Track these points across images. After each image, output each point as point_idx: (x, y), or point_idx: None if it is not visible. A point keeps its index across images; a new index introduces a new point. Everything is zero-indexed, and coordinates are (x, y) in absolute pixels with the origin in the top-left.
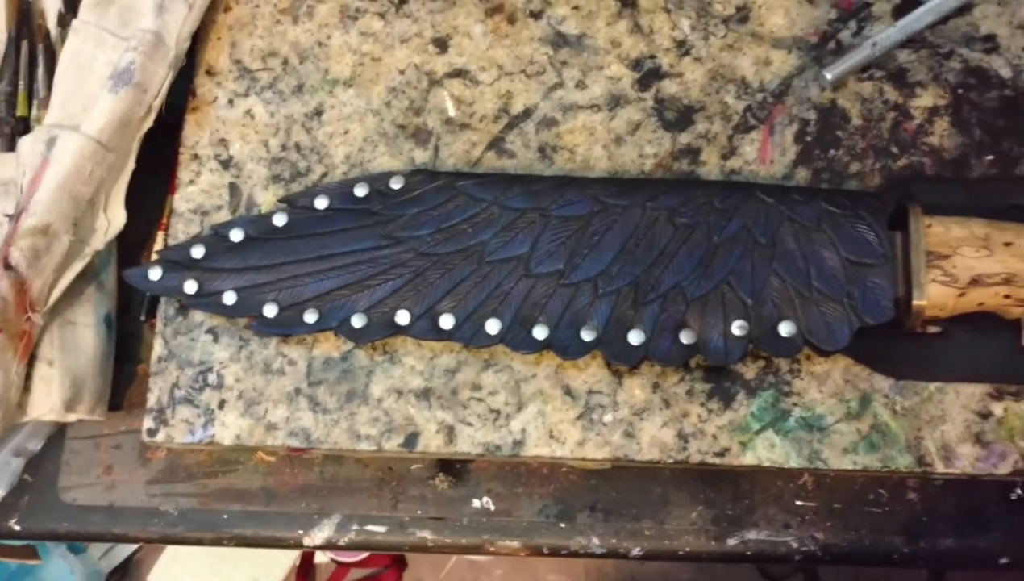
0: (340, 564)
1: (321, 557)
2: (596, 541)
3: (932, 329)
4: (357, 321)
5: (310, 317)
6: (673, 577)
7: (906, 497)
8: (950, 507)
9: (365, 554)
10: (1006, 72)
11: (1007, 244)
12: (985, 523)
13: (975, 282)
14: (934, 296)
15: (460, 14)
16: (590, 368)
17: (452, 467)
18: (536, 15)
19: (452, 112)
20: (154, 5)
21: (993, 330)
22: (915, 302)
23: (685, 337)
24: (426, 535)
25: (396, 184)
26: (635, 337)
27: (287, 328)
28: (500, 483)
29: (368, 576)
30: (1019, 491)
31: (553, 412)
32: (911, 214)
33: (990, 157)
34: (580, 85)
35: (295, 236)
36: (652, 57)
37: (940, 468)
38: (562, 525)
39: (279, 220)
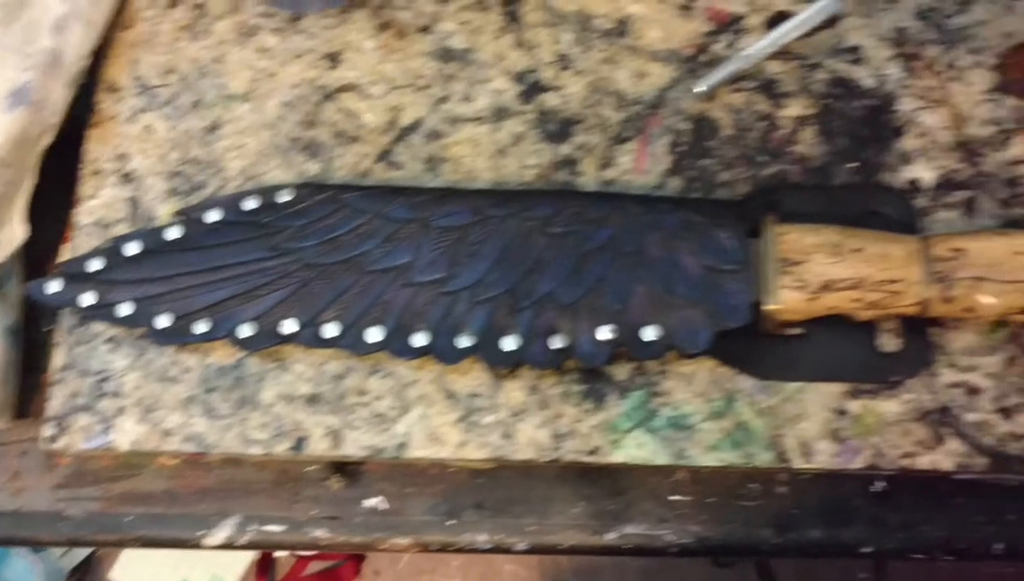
0: (299, 557)
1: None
2: (482, 537)
3: (794, 331)
4: (246, 330)
5: (201, 327)
6: (624, 565)
7: (776, 491)
8: (817, 500)
9: None
10: (870, 82)
11: (856, 250)
12: (849, 515)
13: (826, 287)
14: (786, 301)
15: (352, 30)
16: (472, 372)
17: (346, 468)
18: (425, 30)
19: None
20: (53, 24)
21: (851, 332)
22: (766, 307)
23: (557, 342)
24: (321, 534)
25: (284, 197)
26: (510, 343)
27: (180, 338)
28: (391, 483)
29: (327, 569)
30: (881, 484)
31: (436, 415)
32: (766, 222)
33: (854, 165)
34: (466, 98)
35: (188, 248)
36: (535, 71)
37: (798, 464)
38: (450, 522)
39: (173, 233)
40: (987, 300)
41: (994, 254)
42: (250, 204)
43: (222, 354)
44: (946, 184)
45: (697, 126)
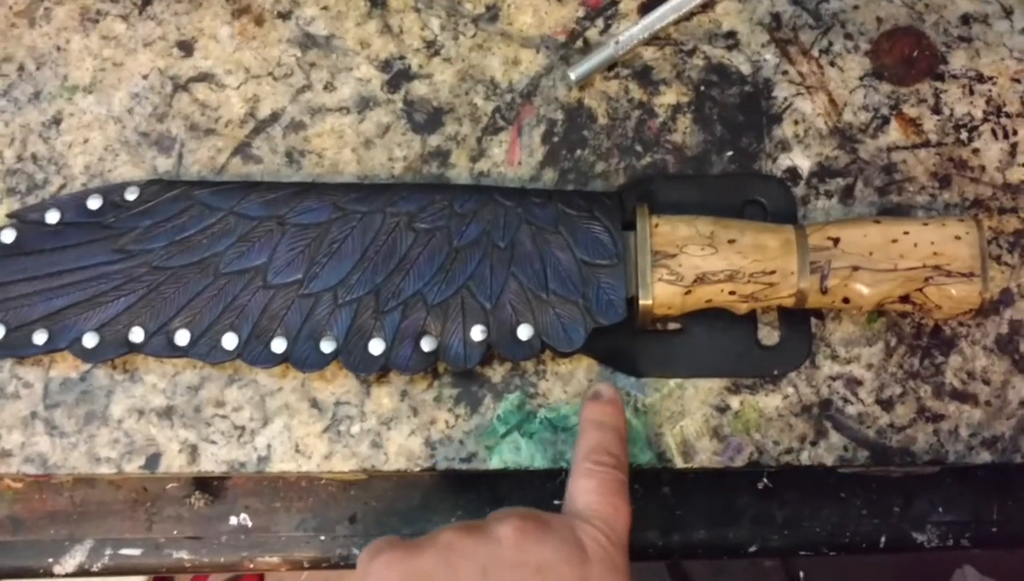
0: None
1: None
2: (355, 552)
3: (672, 326)
4: (89, 340)
5: (39, 338)
6: None
7: (660, 491)
8: (702, 499)
9: None
10: (746, 68)
11: (731, 241)
12: (735, 513)
13: (700, 280)
14: (660, 295)
15: (206, 16)
16: (337, 379)
17: (209, 484)
18: (284, 16)
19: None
20: None
21: (731, 325)
22: (641, 301)
23: (426, 344)
24: (183, 555)
25: (131, 195)
26: (376, 346)
27: (15, 350)
28: (258, 499)
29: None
30: (765, 480)
31: (299, 426)
32: (638, 214)
33: (730, 153)
34: (329, 87)
35: (24, 253)
36: (402, 58)
37: (680, 463)
38: (321, 538)
39: (7, 236)
40: (863, 289)
41: (869, 243)
42: (93, 203)
43: (66, 366)
44: (824, 171)
45: (571, 115)
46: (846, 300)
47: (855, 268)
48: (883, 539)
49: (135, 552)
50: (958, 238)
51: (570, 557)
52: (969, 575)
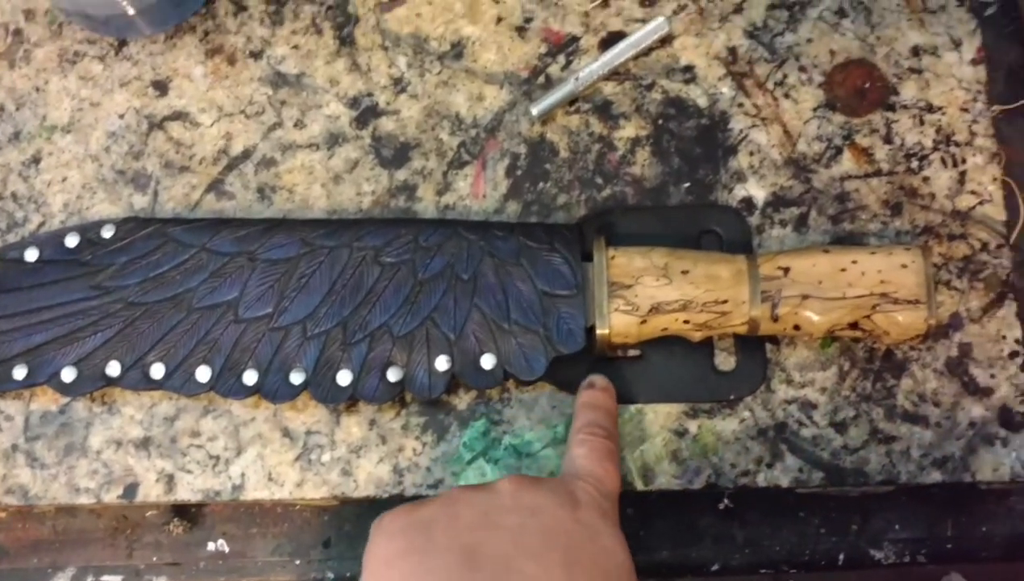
0: None
1: None
2: (330, 576)
3: (632, 353)
4: (67, 374)
5: (19, 373)
6: None
7: (624, 513)
8: (664, 520)
9: None
10: (703, 101)
11: (684, 272)
12: (698, 533)
13: (655, 310)
14: (617, 325)
15: (180, 56)
16: (308, 409)
17: (187, 511)
18: (256, 55)
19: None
20: None
21: (688, 352)
22: (598, 331)
23: (392, 375)
24: None
25: (107, 233)
26: (344, 377)
27: None
28: (235, 525)
29: None
30: (726, 501)
31: (272, 454)
32: (595, 247)
33: (687, 184)
34: (299, 124)
35: (3, 290)
36: (370, 95)
37: (640, 486)
38: (296, 562)
39: None
40: (813, 317)
41: (818, 272)
42: (71, 241)
43: (46, 399)
44: (778, 201)
45: (534, 149)
46: (797, 327)
47: (805, 297)
48: (841, 557)
49: (116, 578)
50: (904, 266)
51: (563, 502)
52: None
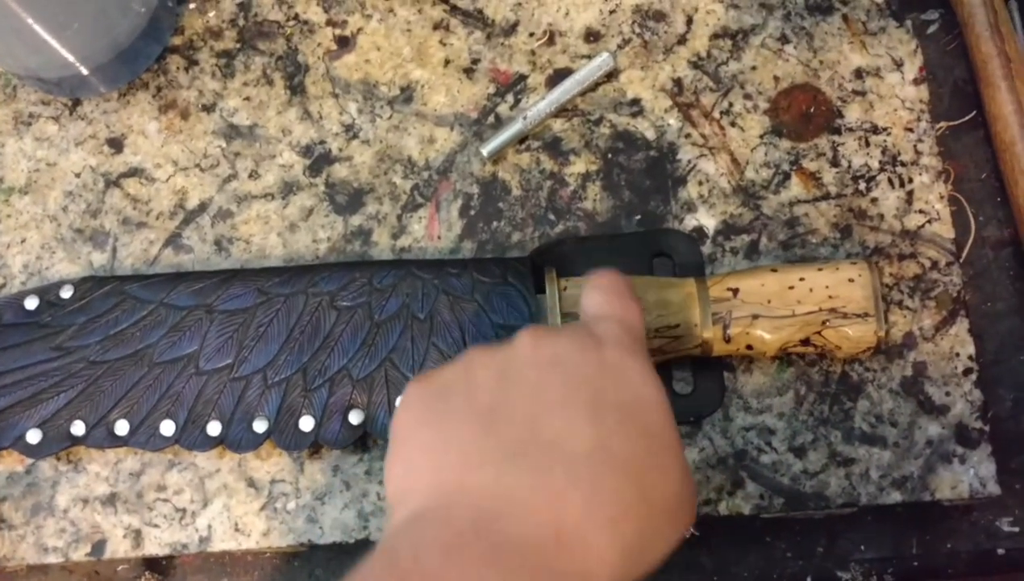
0: None
1: None
2: None
3: None
4: (32, 437)
5: None
6: None
7: None
8: None
9: None
10: (651, 134)
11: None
12: (666, 563)
13: None
14: None
15: (134, 113)
16: (272, 458)
17: (158, 564)
18: (208, 108)
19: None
20: None
21: None
22: None
23: (354, 417)
24: None
25: (66, 293)
26: (306, 423)
27: None
28: (206, 575)
29: None
30: (692, 529)
31: (237, 505)
32: (547, 279)
33: (638, 217)
34: (253, 175)
35: None
36: (322, 142)
37: None
38: None
39: None
40: (764, 335)
41: (767, 291)
42: (30, 304)
43: (12, 461)
44: (729, 229)
45: (486, 189)
46: (750, 347)
47: (755, 316)
48: (809, 579)
49: None
50: (851, 281)
51: (584, 345)
52: None
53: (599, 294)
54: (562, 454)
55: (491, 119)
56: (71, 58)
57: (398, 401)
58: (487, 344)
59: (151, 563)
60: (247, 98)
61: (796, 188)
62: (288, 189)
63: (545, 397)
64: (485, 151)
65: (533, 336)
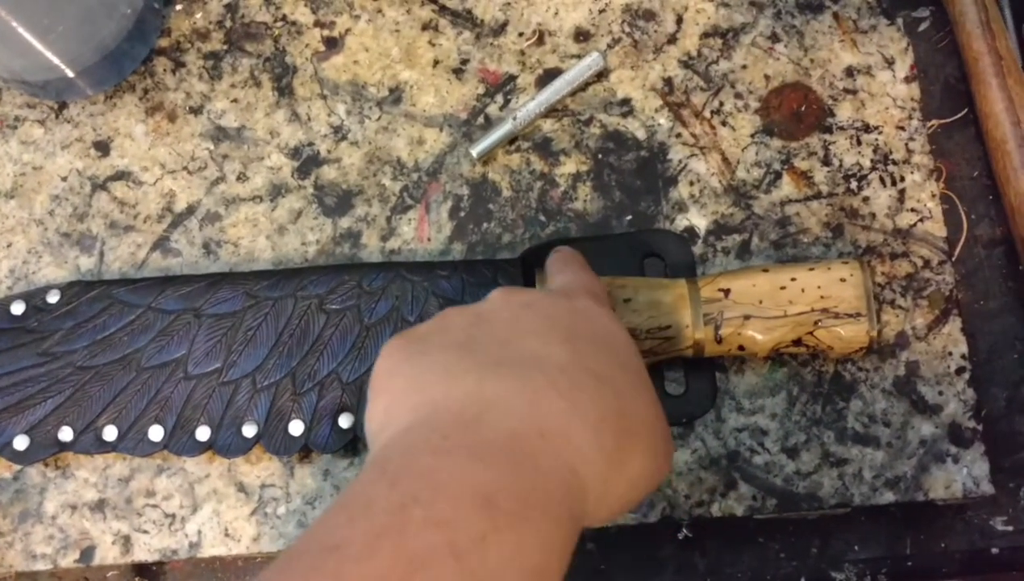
0: None
1: None
2: None
3: None
4: (20, 443)
5: None
6: None
7: (585, 548)
8: (626, 553)
9: None
10: (641, 134)
11: (626, 300)
12: (658, 564)
13: None
14: None
15: (121, 116)
16: (262, 462)
17: (148, 570)
18: (196, 111)
19: None
20: None
21: None
22: None
23: (344, 421)
24: None
25: (52, 298)
26: (296, 427)
27: None
28: None
29: None
30: (685, 531)
31: (227, 510)
32: (537, 280)
33: (629, 217)
34: (241, 177)
35: None
36: (311, 144)
37: (594, 523)
38: None
39: None
40: (756, 336)
41: (759, 291)
42: (17, 309)
43: None
44: (720, 229)
45: (476, 190)
46: (742, 347)
47: (747, 317)
48: (802, 580)
49: None
50: (843, 280)
51: (555, 297)
52: None
53: (562, 266)
54: (541, 365)
55: (481, 120)
56: (56, 61)
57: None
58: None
59: (141, 569)
60: (235, 100)
61: (787, 187)
62: (276, 191)
63: (520, 326)
64: (475, 152)
65: (506, 290)
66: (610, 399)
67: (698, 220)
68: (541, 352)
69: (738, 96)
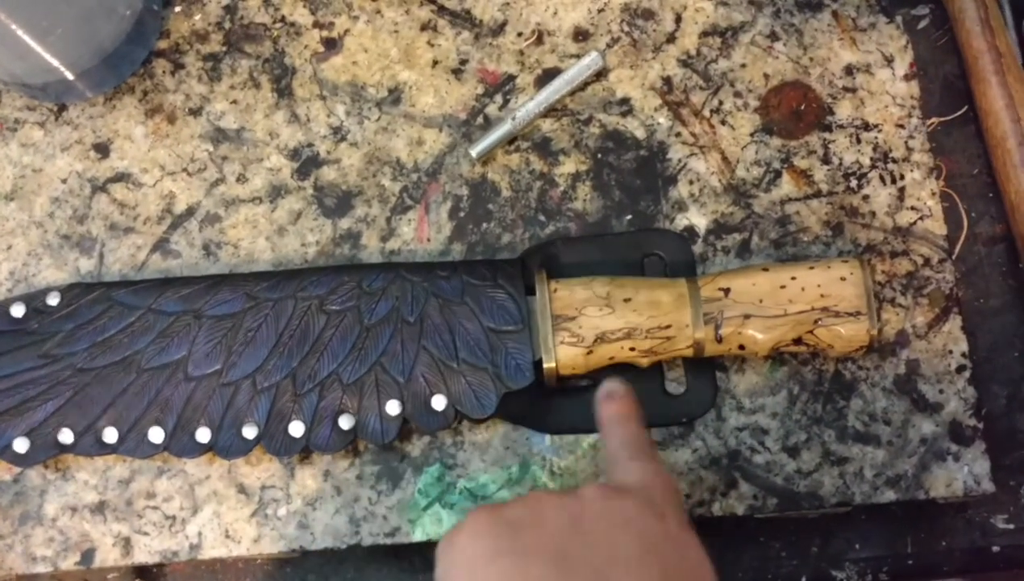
0: None
1: None
2: None
3: (581, 383)
4: (20, 445)
5: None
6: None
7: None
8: None
9: None
10: (640, 133)
11: (626, 300)
12: None
13: (600, 339)
14: (563, 357)
15: (120, 117)
16: (262, 463)
17: (148, 572)
18: (195, 112)
19: None
20: None
21: (638, 377)
22: (545, 365)
23: (344, 422)
24: None
25: (52, 300)
26: (296, 428)
27: None
28: None
29: None
30: None
31: (228, 511)
32: (537, 280)
33: (629, 217)
34: (241, 179)
35: None
36: (310, 145)
37: None
38: None
39: None
40: (756, 335)
41: (759, 290)
42: (17, 311)
43: None
44: (720, 228)
45: (475, 190)
46: (742, 347)
47: (747, 316)
48: (804, 579)
49: None
50: (843, 279)
51: (651, 512)
52: None
53: (641, 463)
54: None
55: (480, 120)
56: (56, 63)
57: (454, 529)
58: (550, 489)
59: (141, 571)
60: (234, 101)
61: (787, 186)
62: (276, 193)
63: (618, 552)
64: (474, 152)
65: (602, 492)
66: None
67: (698, 219)
68: None
69: (737, 95)
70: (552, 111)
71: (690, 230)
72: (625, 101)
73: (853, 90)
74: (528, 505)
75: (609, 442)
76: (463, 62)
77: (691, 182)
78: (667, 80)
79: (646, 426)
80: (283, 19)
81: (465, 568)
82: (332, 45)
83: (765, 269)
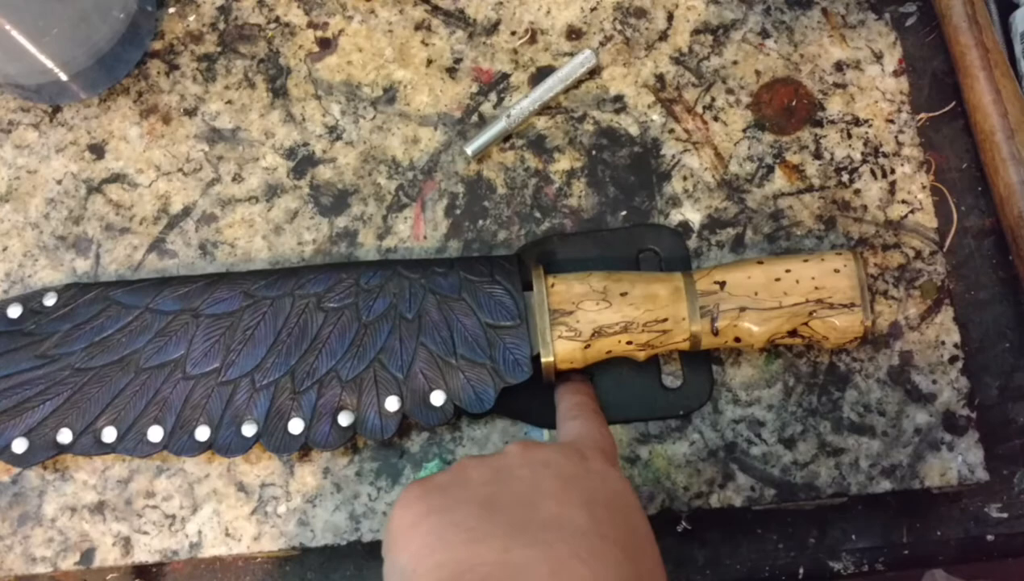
0: None
1: None
2: None
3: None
4: (18, 446)
5: None
6: None
7: None
8: None
9: None
10: (634, 130)
11: (623, 294)
12: None
13: (597, 333)
14: (561, 351)
15: (115, 118)
16: (262, 461)
17: (148, 572)
18: (190, 113)
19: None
20: None
21: (636, 371)
22: (543, 359)
23: (343, 419)
24: None
25: (49, 301)
26: (295, 426)
27: None
28: None
29: None
30: (684, 523)
31: (227, 510)
32: (534, 276)
33: (624, 213)
34: (237, 178)
35: None
36: (306, 144)
37: None
38: None
39: None
40: (752, 328)
41: (754, 283)
42: (13, 312)
43: None
44: (714, 223)
45: (471, 188)
46: (738, 339)
47: (742, 309)
48: (801, 571)
49: None
50: (837, 271)
51: (570, 455)
52: (938, 576)
53: (578, 420)
54: (562, 532)
55: (475, 118)
56: (50, 64)
57: (392, 507)
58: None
59: (141, 571)
60: (229, 101)
61: (780, 181)
62: (272, 192)
63: (540, 487)
64: (469, 150)
65: (523, 446)
66: (627, 566)
67: (692, 214)
68: (562, 517)
69: (729, 91)
70: (546, 109)
71: (684, 225)
72: (618, 98)
73: (843, 86)
74: (454, 471)
75: (560, 405)
76: (457, 61)
77: (685, 178)
78: (660, 77)
79: (598, 403)
80: (277, 19)
81: (401, 535)
82: (327, 45)
83: (760, 262)
